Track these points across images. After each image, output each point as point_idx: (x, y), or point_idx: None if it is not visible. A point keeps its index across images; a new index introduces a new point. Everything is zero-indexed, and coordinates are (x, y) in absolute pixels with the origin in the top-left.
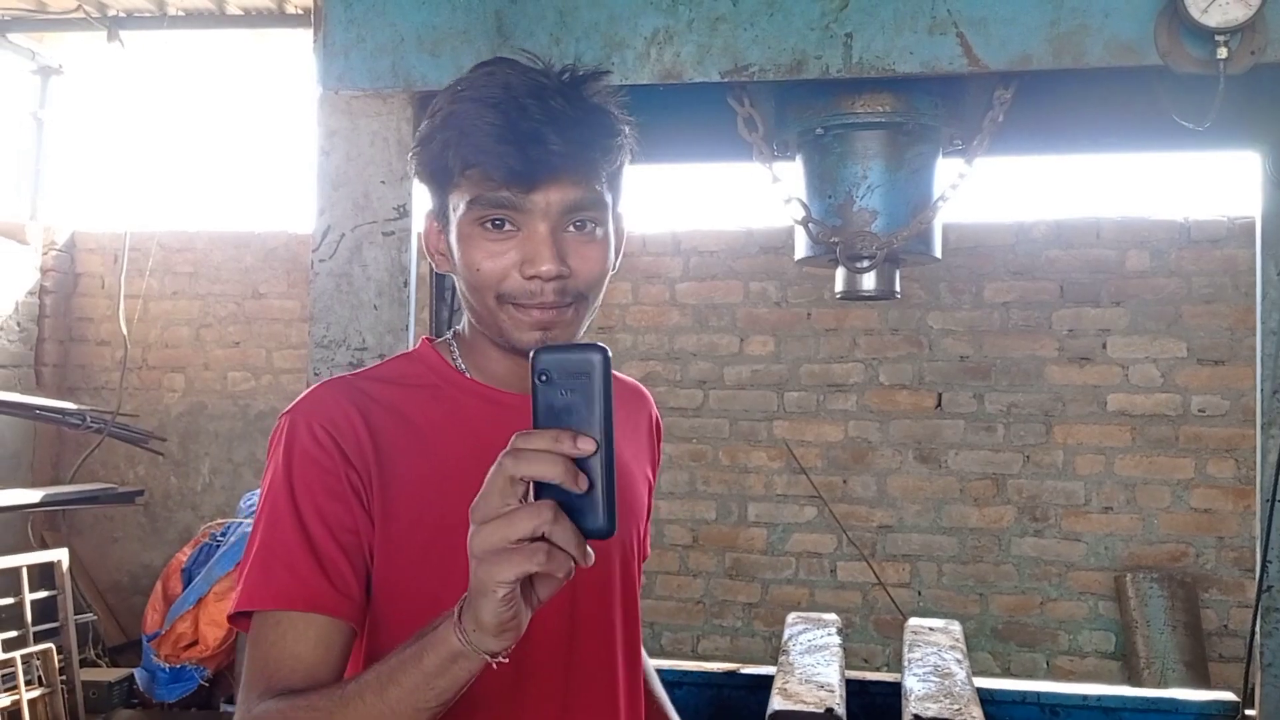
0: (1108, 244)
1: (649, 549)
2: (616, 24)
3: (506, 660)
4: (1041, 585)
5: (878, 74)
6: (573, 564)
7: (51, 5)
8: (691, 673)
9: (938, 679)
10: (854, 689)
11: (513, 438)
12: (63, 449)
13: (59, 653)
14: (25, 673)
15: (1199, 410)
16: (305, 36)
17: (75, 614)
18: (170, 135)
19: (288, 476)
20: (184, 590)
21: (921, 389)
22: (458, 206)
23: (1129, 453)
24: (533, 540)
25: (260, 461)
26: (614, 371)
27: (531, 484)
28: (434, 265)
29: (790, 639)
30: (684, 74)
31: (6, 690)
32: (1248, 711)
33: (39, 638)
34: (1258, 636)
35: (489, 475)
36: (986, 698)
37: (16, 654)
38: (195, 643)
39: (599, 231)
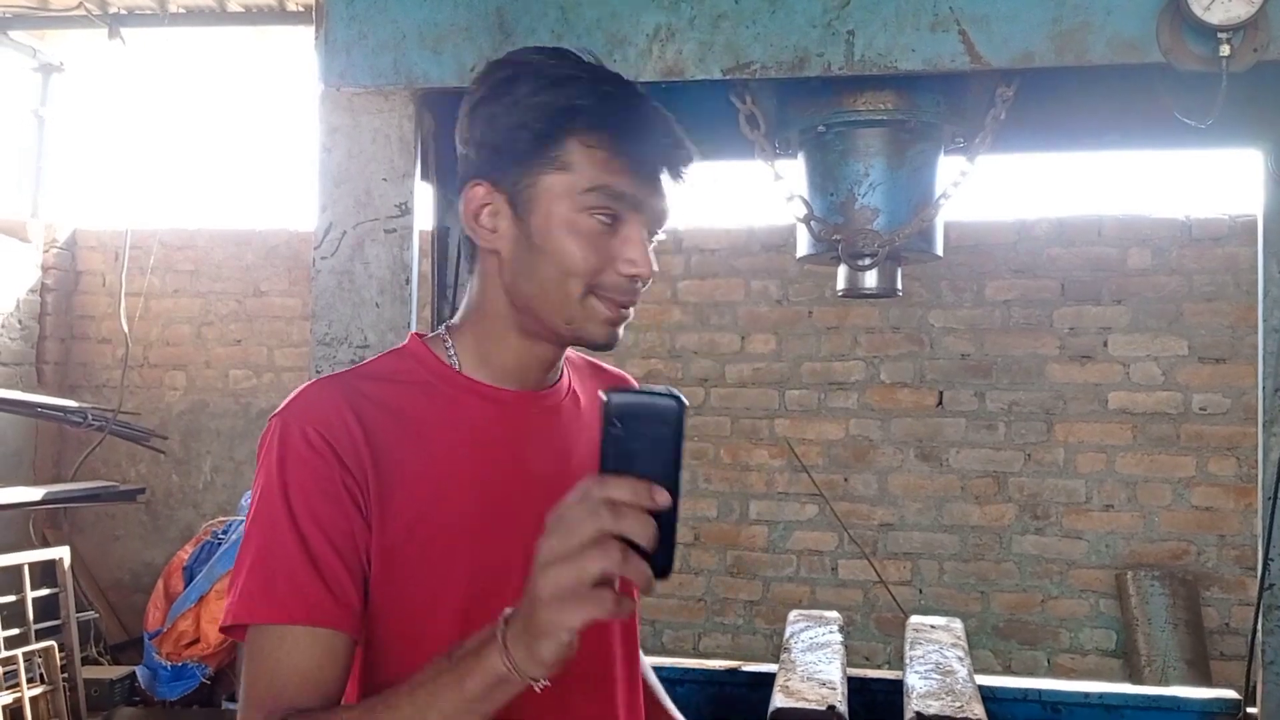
0: (1109, 242)
1: None
2: (618, 20)
3: (550, 685)
4: (1043, 583)
5: (880, 71)
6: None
7: (53, 3)
8: (693, 670)
9: (939, 676)
10: (855, 686)
11: (588, 483)
12: (64, 447)
13: (60, 650)
14: (27, 670)
15: (1200, 408)
16: (307, 33)
17: (77, 612)
18: (172, 133)
19: (282, 482)
20: (185, 588)
21: (923, 387)
22: (557, 187)
23: (1130, 451)
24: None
25: None
26: (602, 363)
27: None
28: (476, 238)
29: (792, 636)
30: (686, 71)
31: (8, 688)
32: (1249, 709)
33: (40, 635)
34: (1259, 634)
35: (564, 515)
36: (988, 695)
37: (18, 651)
38: (197, 640)
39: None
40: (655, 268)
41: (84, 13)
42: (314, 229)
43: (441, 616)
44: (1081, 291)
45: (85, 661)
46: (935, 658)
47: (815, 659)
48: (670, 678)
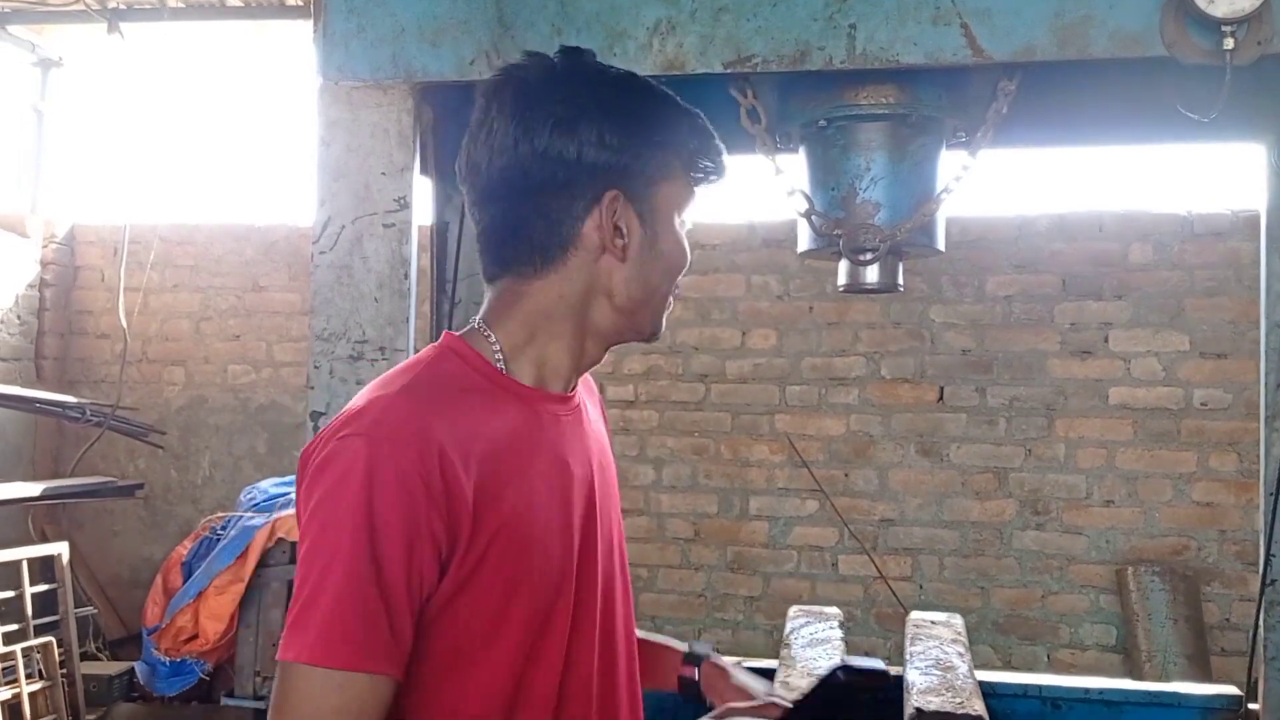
0: (1110, 237)
1: None
2: (618, 14)
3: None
4: (1043, 579)
5: (881, 65)
6: None
7: None
8: None
9: (940, 672)
10: None
11: None
12: (63, 442)
13: (59, 646)
14: (25, 666)
15: (1201, 404)
16: (306, 27)
17: (75, 607)
18: (170, 128)
19: (369, 519)
20: (184, 584)
21: (923, 382)
22: (674, 195)
23: (1130, 446)
24: None
25: (260, 455)
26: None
27: None
28: (607, 244)
29: (792, 632)
30: (686, 65)
31: (7, 683)
32: (1250, 705)
33: (39, 631)
34: (1261, 630)
35: None
36: (988, 691)
37: (17, 647)
38: (195, 636)
39: None
40: None
41: (83, 7)
42: (312, 223)
43: (511, 624)
44: (1083, 287)
45: (84, 657)
46: (935, 653)
47: (815, 655)
48: None
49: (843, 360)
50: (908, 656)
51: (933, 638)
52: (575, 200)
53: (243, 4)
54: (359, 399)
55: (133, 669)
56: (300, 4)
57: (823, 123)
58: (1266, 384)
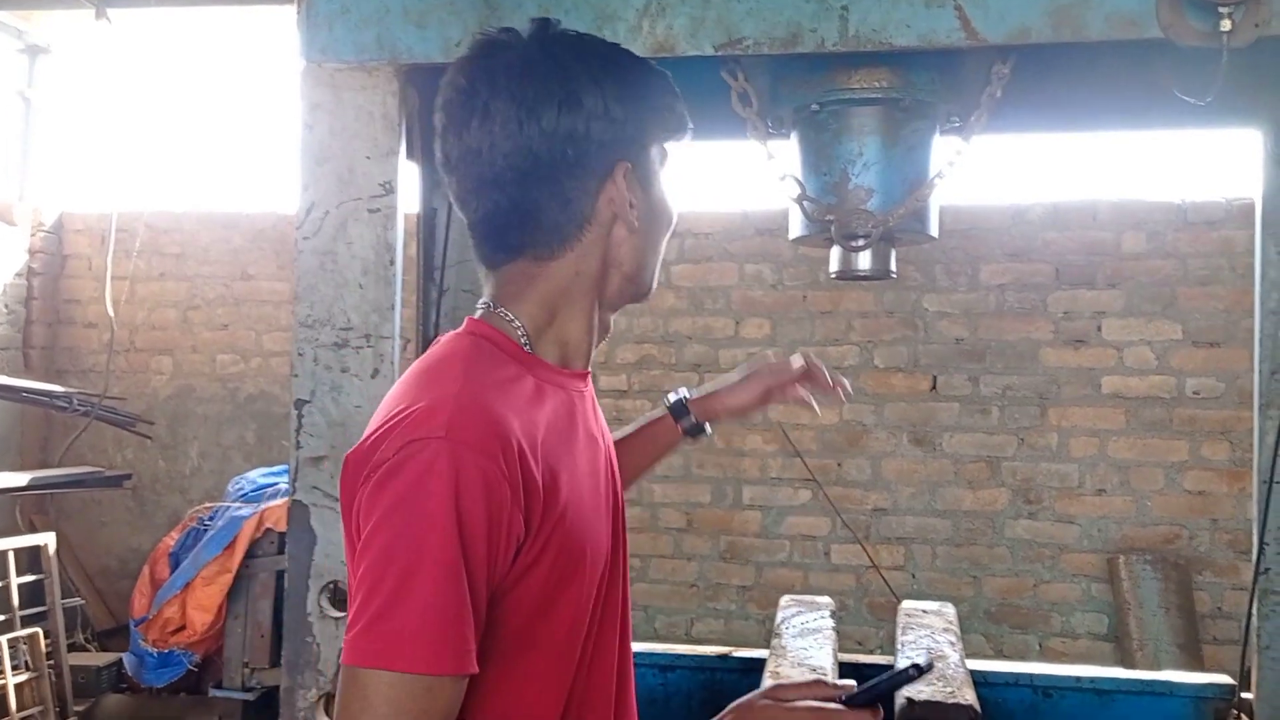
0: (1104, 226)
1: None
2: None
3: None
4: (1035, 567)
5: (874, 47)
6: None
7: None
8: (684, 656)
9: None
10: (847, 672)
11: (865, 717)
12: (50, 432)
13: (46, 637)
14: (12, 657)
15: (1194, 392)
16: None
17: (63, 598)
18: (158, 114)
19: (455, 521)
20: (171, 575)
21: (916, 372)
22: (659, 157)
23: (1123, 435)
24: None
25: (250, 445)
26: None
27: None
28: (623, 215)
29: (783, 622)
30: (676, 47)
31: None
32: (1243, 694)
33: (26, 622)
34: (1254, 619)
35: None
36: (980, 680)
37: (3, 638)
38: (183, 628)
39: None
40: None
41: None
42: (296, 208)
43: (569, 604)
44: (1076, 276)
45: (72, 648)
46: (927, 643)
47: (806, 644)
48: (661, 664)
49: (836, 349)
50: (899, 646)
51: (924, 627)
52: (588, 177)
53: None
54: (415, 398)
55: (121, 660)
56: None
57: (815, 107)
58: (1261, 371)
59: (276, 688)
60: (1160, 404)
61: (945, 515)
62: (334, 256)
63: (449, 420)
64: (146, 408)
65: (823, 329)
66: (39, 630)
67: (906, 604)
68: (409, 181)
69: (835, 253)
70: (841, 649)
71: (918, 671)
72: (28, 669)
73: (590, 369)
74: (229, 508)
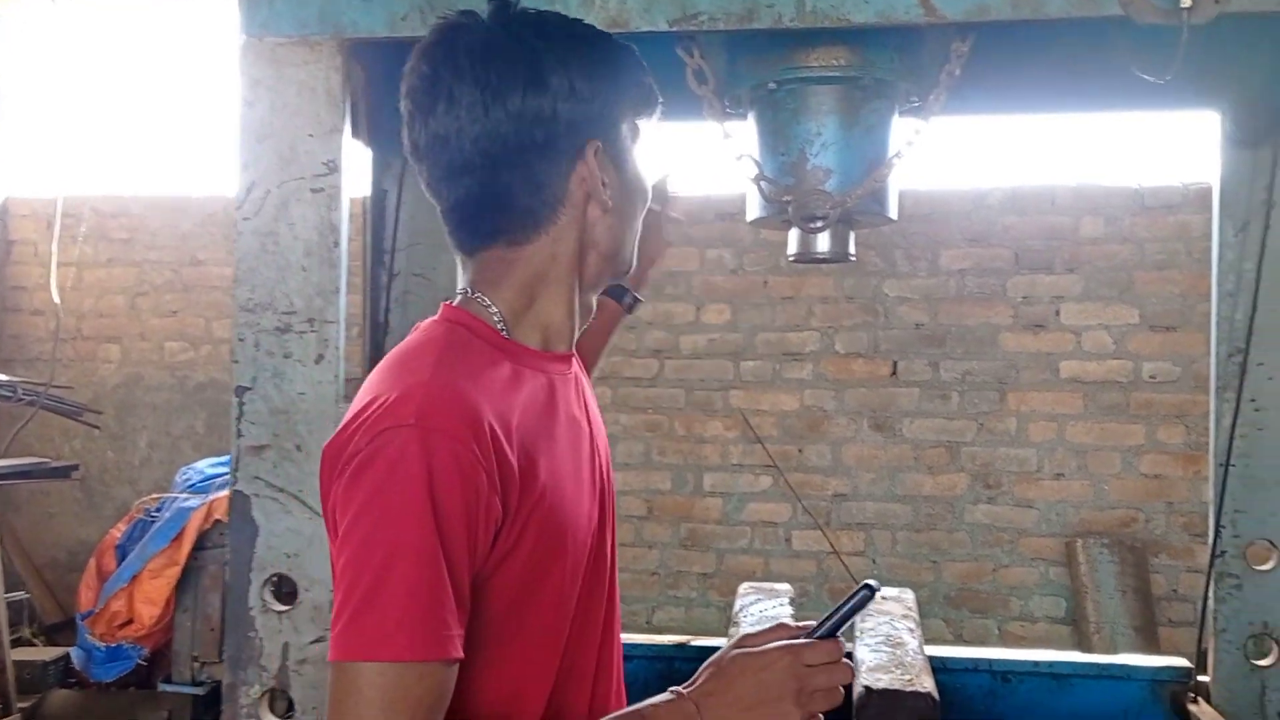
0: (1062, 211)
1: None
2: None
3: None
4: (994, 552)
5: (832, 24)
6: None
7: None
8: (641, 645)
9: (889, 649)
10: None
11: (832, 647)
12: None
13: None
14: None
15: (1150, 377)
16: None
17: (6, 592)
18: (105, 97)
19: (432, 507)
20: (118, 568)
21: (877, 357)
22: (631, 133)
23: (1081, 419)
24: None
25: (199, 435)
26: None
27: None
28: (597, 195)
29: (741, 610)
30: (630, 22)
31: None
32: (1200, 677)
33: None
34: (1211, 602)
35: (821, 650)
36: (939, 666)
37: None
38: (130, 621)
39: None
40: None
41: None
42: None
43: (552, 588)
44: (1035, 260)
45: (19, 643)
46: (886, 630)
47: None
48: None
49: (797, 335)
50: (858, 633)
51: (883, 613)
52: (558, 158)
53: None
54: (388, 387)
55: (68, 654)
56: None
57: (772, 85)
58: (1217, 354)
59: None
60: (1117, 388)
61: (905, 500)
62: (275, 238)
63: (419, 408)
64: (94, 397)
65: (784, 314)
66: None
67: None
68: (359, 162)
69: (793, 235)
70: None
71: (870, 591)
72: None
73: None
74: (176, 499)
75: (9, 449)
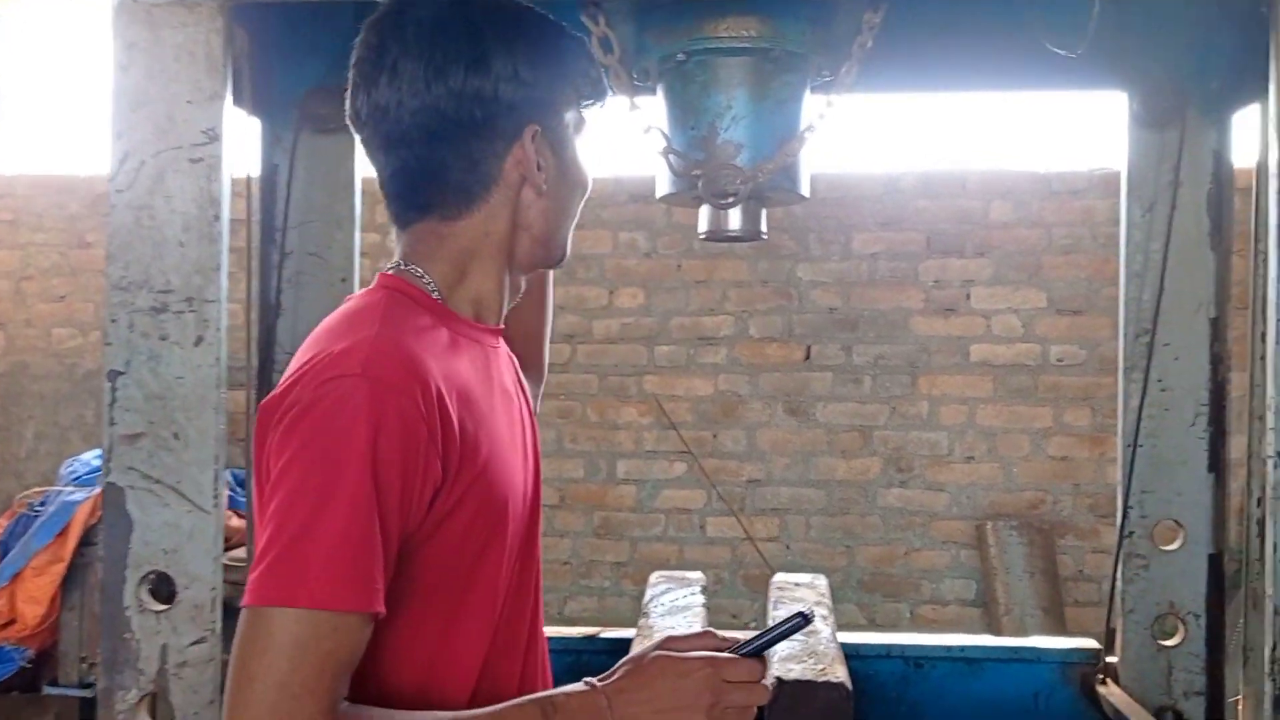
0: (973, 195)
1: None
2: None
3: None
4: (906, 535)
5: None
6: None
7: None
8: (550, 638)
9: (802, 637)
10: None
11: (755, 666)
12: None
13: None
14: None
15: (1057, 359)
16: None
17: None
18: None
19: (371, 458)
20: None
21: (791, 341)
22: (575, 122)
23: (990, 402)
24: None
25: (89, 425)
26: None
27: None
28: (532, 179)
29: (651, 600)
30: None
31: None
32: (1109, 659)
33: None
34: (1119, 582)
35: (744, 668)
36: (851, 653)
37: None
38: (13, 621)
39: None
40: None
41: None
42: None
43: (491, 561)
44: (946, 244)
45: None
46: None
47: (675, 623)
48: None
49: (711, 319)
50: (770, 621)
51: (797, 600)
52: (495, 139)
53: None
54: (330, 344)
55: None
56: None
57: (681, 57)
58: (1125, 334)
59: None
60: (1026, 371)
61: (819, 485)
62: (151, 211)
63: (366, 359)
64: None
65: (697, 298)
66: None
67: (779, 577)
68: (249, 136)
69: (704, 212)
70: (716, 623)
71: (804, 620)
72: None
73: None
74: (61, 492)
75: None
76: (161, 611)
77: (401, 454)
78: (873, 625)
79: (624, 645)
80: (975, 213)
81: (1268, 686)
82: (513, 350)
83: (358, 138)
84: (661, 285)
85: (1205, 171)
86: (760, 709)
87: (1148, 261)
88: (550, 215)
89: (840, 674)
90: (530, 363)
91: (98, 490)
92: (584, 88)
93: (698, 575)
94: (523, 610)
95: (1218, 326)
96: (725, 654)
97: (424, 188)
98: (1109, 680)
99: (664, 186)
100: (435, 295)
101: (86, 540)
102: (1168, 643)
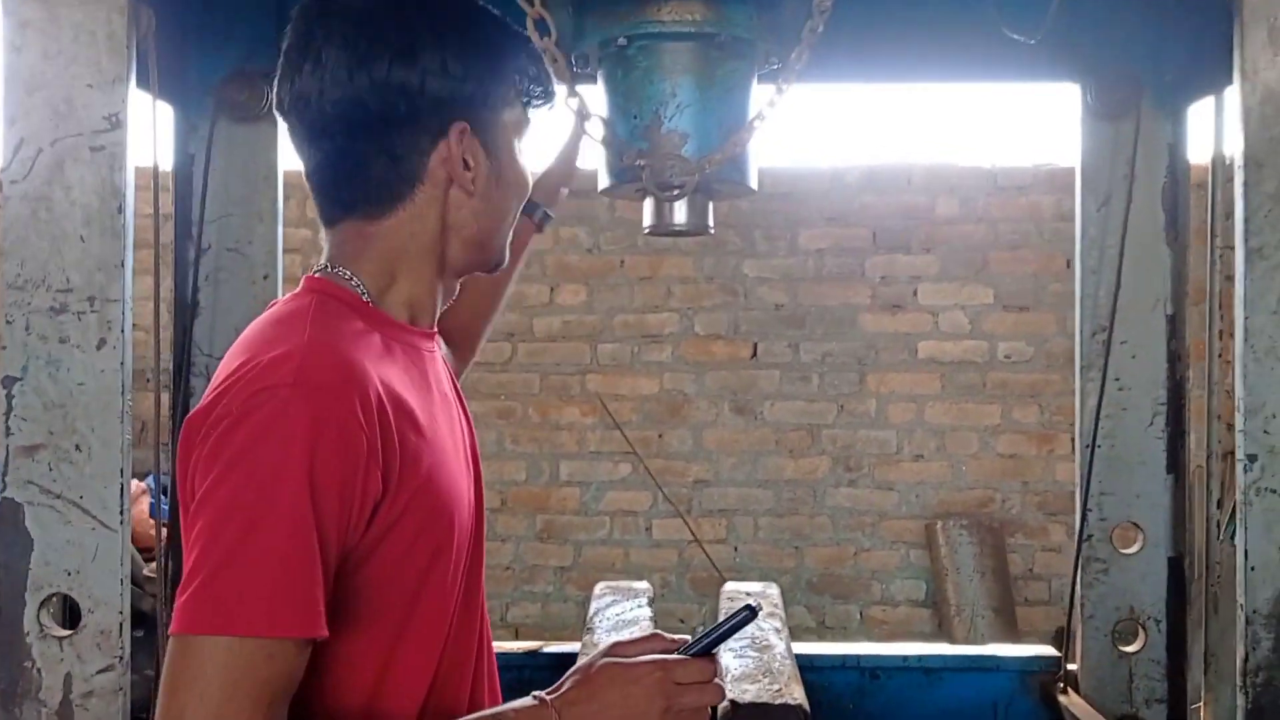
0: (919, 190)
1: None
2: None
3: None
4: (855, 536)
5: None
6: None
7: None
8: None
9: (755, 653)
10: None
11: (706, 666)
12: None
13: None
14: None
15: (1005, 356)
16: None
17: None
18: None
19: (308, 472)
20: None
21: (737, 339)
22: (514, 122)
23: (939, 400)
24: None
25: None
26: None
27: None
28: (459, 180)
29: (596, 614)
30: None
31: None
32: (1068, 666)
33: None
34: (1078, 588)
35: (694, 669)
36: (806, 665)
37: None
38: None
39: None
40: None
41: None
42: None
43: (438, 576)
44: (893, 240)
45: None
46: (751, 630)
47: (621, 638)
48: None
49: (655, 316)
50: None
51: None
52: (420, 134)
53: None
54: (259, 351)
55: None
56: None
57: (623, 41)
58: (1082, 332)
59: None
60: (974, 368)
61: (767, 485)
62: (49, 204)
63: (300, 367)
64: None
65: (641, 295)
66: None
67: (729, 587)
68: (142, 118)
69: (649, 206)
70: (664, 629)
71: (751, 614)
72: None
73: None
74: None
75: None
76: (65, 638)
77: (340, 467)
78: (822, 627)
79: (568, 660)
80: (921, 208)
81: (1240, 700)
82: (453, 324)
83: (285, 126)
84: (604, 282)
85: (1160, 165)
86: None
87: (1103, 257)
88: (483, 218)
89: (797, 694)
90: (468, 339)
91: None
92: (525, 86)
93: (644, 586)
94: (472, 623)
95: (1175, 323)
96: (674, 656)
97: (346, 183)
98: (1069, 689)
99: (606, 179)
100: (365, 298)
101: None
102: (1128, 649)
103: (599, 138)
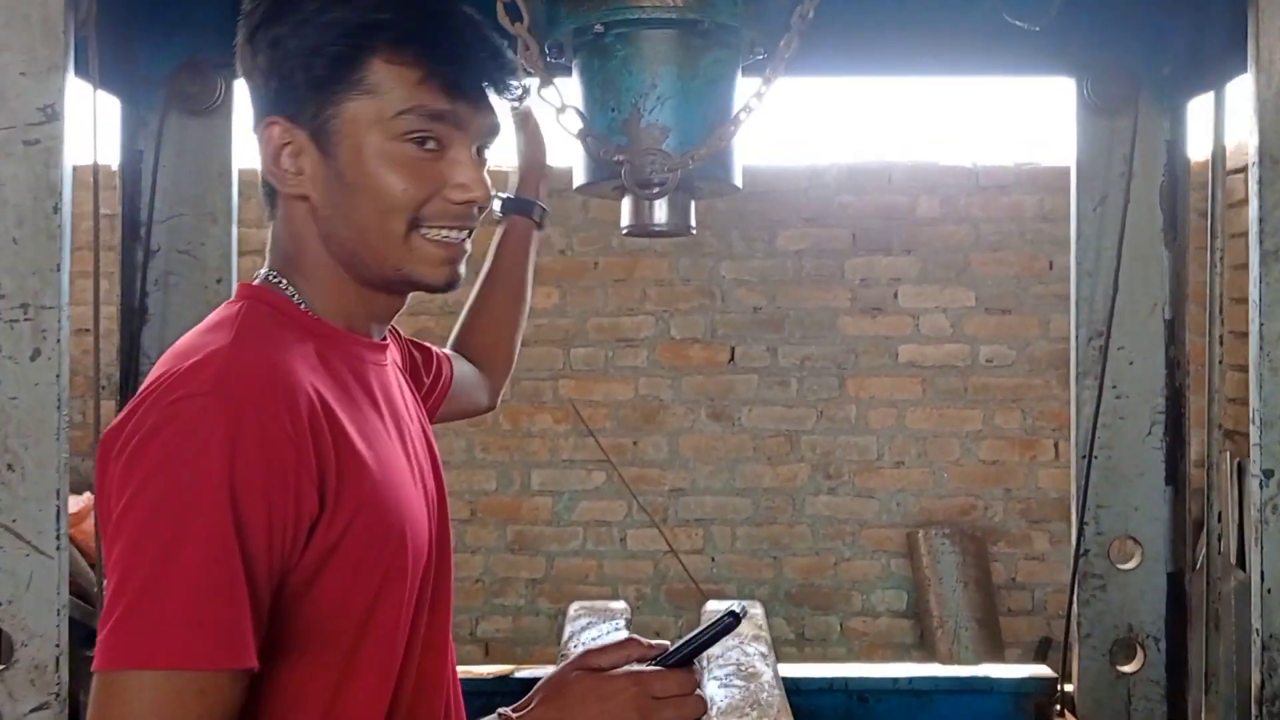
0: (899, 190)
1: None
2: None
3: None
4: (835, 545)
5: None
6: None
7: None
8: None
9: (742, 682)
10: None
11: (685, 678)
12: None
13: None
14: None
15: (987, 360)
16: None
17: None
18: None
19: (229, 488)
20: None
21: (714, 342)
22: (365, 115)
23: (920, 405)
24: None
25: None
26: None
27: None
28: (278, 183)
29: (571, 638)
30: None
31: None
32: (1065, 686)
33: None
34: (1075, 606)
35: (672, 681)
36: (791, 688)
37: None
38: None
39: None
40: (491, 189)
41: None
42: None
43: (391, 601)
44: (872, 241)
45: None
46: (736, 656)
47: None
48: None
49: (630, 320)
50: (705, 662)
51: (734, 634)
52: (257, 126)
53: None
54: (172, 361)
55: None
56: None
57: (599, 28)
58: (1077, 338)
59: None
60: (955, 372)
61: (745, 493)
62: None
63: (218, 374)
64: None
65: (616, 298)
66: None
67: (710, 606)
68: (83, 107)
69: (627, 205)
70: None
71: (734, 620)
72: None
73: (388, 344)
74: None
75: None
76: None
77: (265, 481)
78: (801, 639)
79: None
80: (901, 208)
81: None
82: (479, 342)
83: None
84: (577, 284)
85: (1159, 163)
86: None
87: (1099, 259)
88: (338, 229)
89: None
90: (498, 355)
91: None
92: (391, 54)
93: (621, 606)
94: (442, 645)
95: (1174, 328)
96: (651, 668)
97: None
98: (1065, 710)
99: (581, 175)
100: (303, 306)
101: None
102: (1126, 668)
103: (574, 132)
